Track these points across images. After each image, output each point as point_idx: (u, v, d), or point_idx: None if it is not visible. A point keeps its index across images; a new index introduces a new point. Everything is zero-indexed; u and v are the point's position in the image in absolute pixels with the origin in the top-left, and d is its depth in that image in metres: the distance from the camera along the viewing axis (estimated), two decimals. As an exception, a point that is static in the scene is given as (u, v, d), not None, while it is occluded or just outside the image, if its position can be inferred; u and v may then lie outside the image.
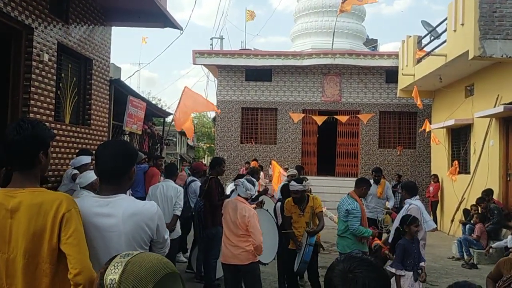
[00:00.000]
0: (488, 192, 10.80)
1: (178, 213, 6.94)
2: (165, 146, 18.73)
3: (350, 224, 5.93)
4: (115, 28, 10.54)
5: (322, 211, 6.06)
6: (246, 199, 5.47)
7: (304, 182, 6.16)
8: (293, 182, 6.25)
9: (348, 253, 1.49)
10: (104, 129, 9.70)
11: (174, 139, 28.37)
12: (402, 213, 5.91)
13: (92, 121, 9.12)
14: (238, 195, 5.47)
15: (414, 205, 5.80)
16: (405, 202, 6.03)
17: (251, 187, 5.48)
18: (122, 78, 12.29)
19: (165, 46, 63.54)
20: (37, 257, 2.10)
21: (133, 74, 31.77)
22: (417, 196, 6.05)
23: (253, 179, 5.72)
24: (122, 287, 1.40)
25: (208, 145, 40.38)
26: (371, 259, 1.47)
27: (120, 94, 11.18)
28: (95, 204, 2.28)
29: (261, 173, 12.90)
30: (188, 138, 30.99)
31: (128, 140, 11.58)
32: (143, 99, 12.93)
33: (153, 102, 27.57)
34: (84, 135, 8.77)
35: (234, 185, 5.72)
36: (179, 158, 31.49)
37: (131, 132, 11.58)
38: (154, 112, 15.95)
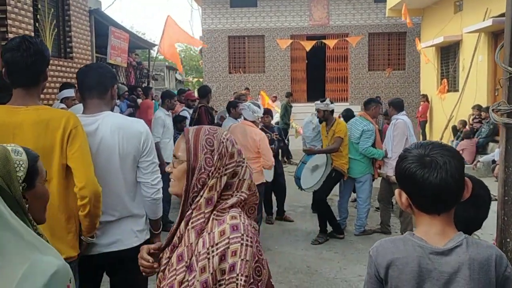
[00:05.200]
0: (477, 108, 10.90)
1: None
2: (153, 81, 18.49)
3: (361, 143, 5.86)
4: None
5: (340, 137, 5.77)
6: (253, 122, 5.40)
7: (326, 101, 6.06)
8: (317, 102, 6.20)
9: (416, 142, 1.44)
10: (87, 62, 9.50)
11: (162, 74, 27.93)
12: (390, 128, 5.97)
13: (74, 54, 8.92)
14: (245, 118, 5.42)
15: (401, 119, 5.84)
16: (392, 117, 6.04)
17: (257, 109, 5.40)
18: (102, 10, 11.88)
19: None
20: (47, 173, 2.11)
21: (113, 3, 30.50)
22: (404, 112, 6.06)
23: (257, 102, 5.73)
24: None
25: (196, 79, 39.91)
26: (440, 141, 1.43)
27: (102, 26, 10.86)
28: (84, 123, 2.30)
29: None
30: (177, 72, 30.49)
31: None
32: (125, 30, 12.57)
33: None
34: (67, 69, 8.60)
35: (240, 109, 5.67)
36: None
37: (115, 65, 11.37)
38: (138, 44, 15.58)
